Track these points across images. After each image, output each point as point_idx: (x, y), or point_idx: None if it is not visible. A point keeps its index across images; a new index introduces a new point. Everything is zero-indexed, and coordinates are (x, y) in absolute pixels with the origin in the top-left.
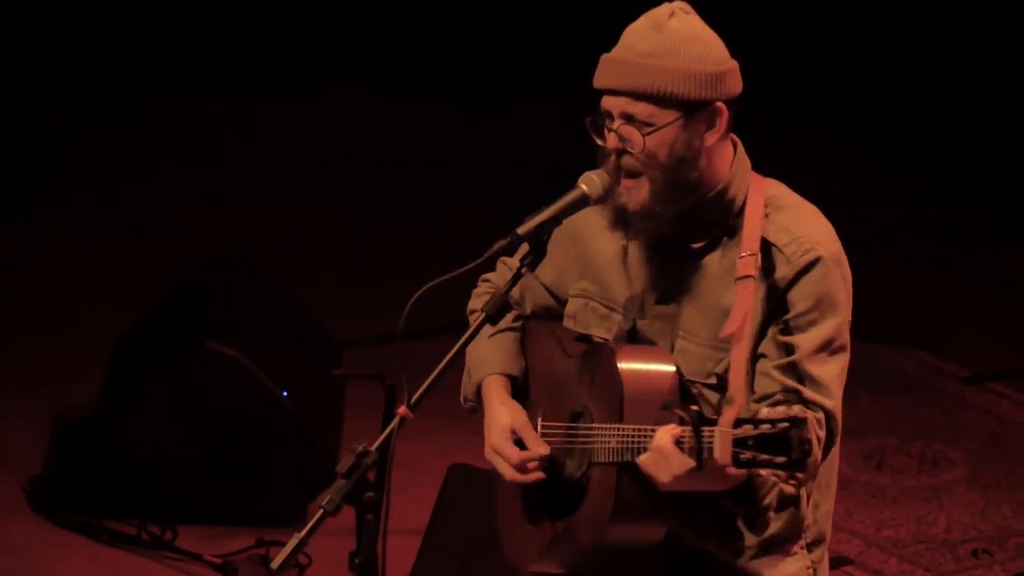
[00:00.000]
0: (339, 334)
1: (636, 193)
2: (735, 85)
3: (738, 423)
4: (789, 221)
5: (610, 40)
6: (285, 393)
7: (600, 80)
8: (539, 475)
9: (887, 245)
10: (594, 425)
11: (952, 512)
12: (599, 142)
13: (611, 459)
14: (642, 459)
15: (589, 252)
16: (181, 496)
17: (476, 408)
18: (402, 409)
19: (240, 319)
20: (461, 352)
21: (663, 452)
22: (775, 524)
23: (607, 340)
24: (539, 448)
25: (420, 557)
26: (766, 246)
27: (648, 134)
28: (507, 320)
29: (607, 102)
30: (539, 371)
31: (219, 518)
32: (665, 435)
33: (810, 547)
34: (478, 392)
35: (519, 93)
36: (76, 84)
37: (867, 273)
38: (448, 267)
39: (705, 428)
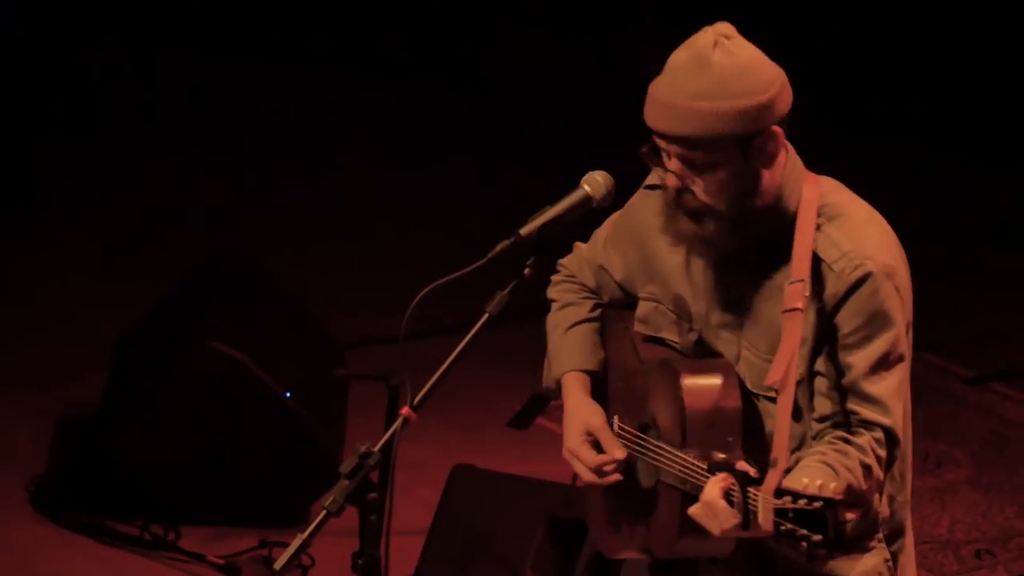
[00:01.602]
0: (342, 334)
1: (702, 228)
2: (786, 102)
3: (780, 493)
4: (840, 234)
5: (609, 42)
6: (288, 394)
7: (652, 121)
8: (615, 478)
9: None
10: (661, 444)
11: (955, 513)
12: (659, 174)
13: (675, 483)
14: (692, 510)
15: (654, 257)
16: (184, 497)
17: (557, 395)
18: (405, 410)
19: (243, 320)
20: (464, 353)
21: (711, 506)
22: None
23: (676, 348)
24: (615, 452)
25: (423, 557)
26: (816, 262)
27: (706, 175)
28: (585, 310)
29: (661, 142)
30: (617, 366)
31: (222, 519)
32: (714, 488)
33: (888, 539)
34: (558, 384)
35: (519, 93)
36: (79, 83)
37: None
38: (451, 268)
39: (751, 488)
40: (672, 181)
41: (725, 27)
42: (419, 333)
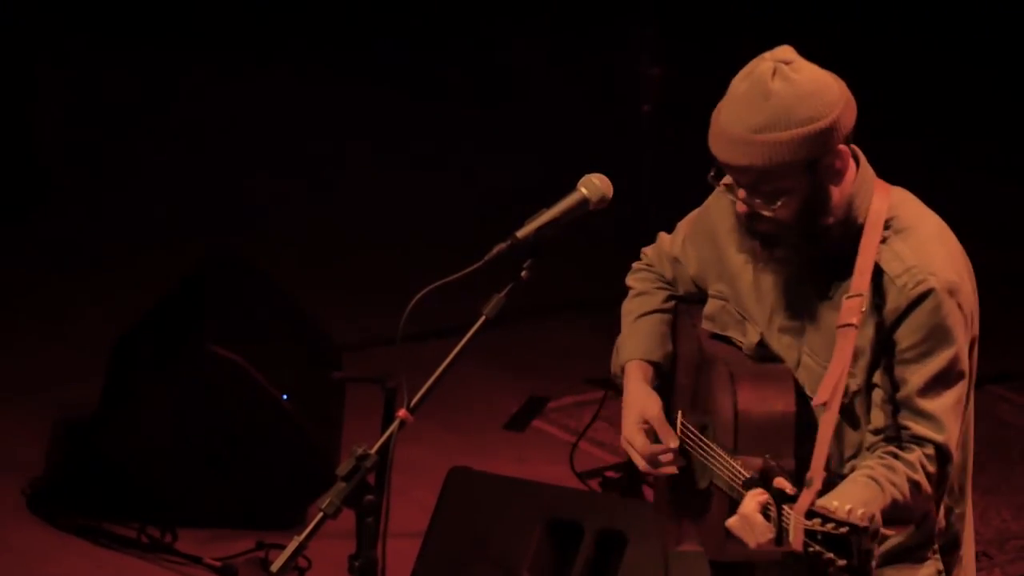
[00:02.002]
0: (339, 336)
1: (773, 252)
2: (850, 119)
3: (811, 514)
4: (905, 248)
5: (606, 41)
6: (285, 396)
7: (718, 152)
8: (671, 470)
9: None
10: (714, 447)
11: None
12: (731, 198)
13: (725, 488)
14: (730, 522)
15: (724, 257)
16: (181, 499)
17: (621, 383)
18: (402, 412)
19: (240, 321)
20: (461, 356)
21: (748, 519)
22: (901, 535)
23: (741, 347)
24: (669, 441)
25: (420, 560)
26: (878, 274)
27: (776, 201)
28: (658, 300)
29: (728, 171)
30: (683, 362)
31: (219, 521)
32: (751, 502)
33: (942, 550)
34: (624, 372)
35: (519, 93)
36: (76, 83)
37: None
38: (448, 269)
39: (785, 506)
40: (742, 208)
41: (784, 52)
42: (416, 335)
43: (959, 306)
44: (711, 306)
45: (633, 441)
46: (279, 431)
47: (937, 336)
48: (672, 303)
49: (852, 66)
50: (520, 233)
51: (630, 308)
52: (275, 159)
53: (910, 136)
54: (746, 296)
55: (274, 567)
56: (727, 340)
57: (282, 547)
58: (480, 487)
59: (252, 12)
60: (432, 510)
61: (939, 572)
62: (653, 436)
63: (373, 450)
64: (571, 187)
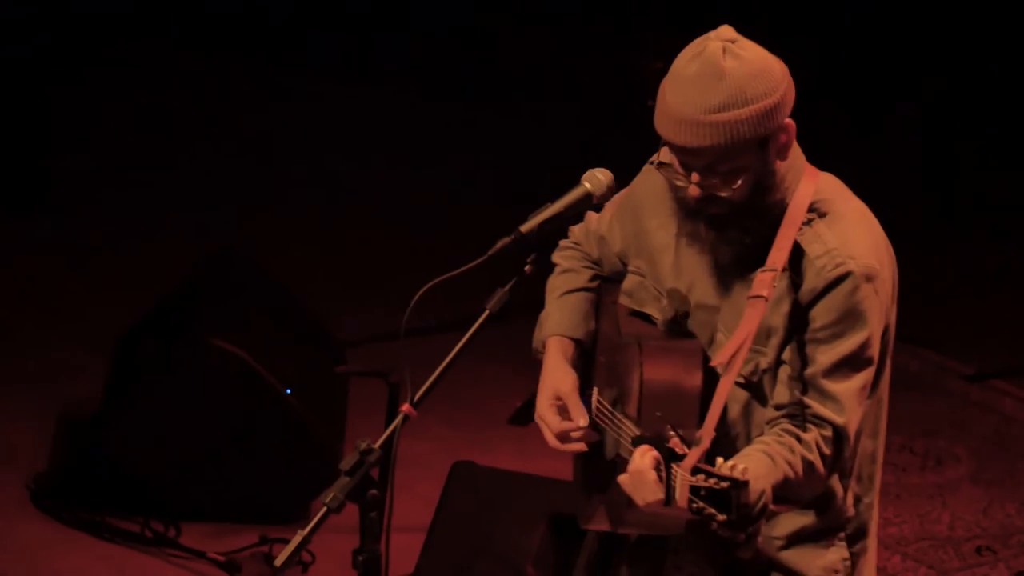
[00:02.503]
0: (342, 331)
1: (721, 235)
2: (793, 93)
3: (696, 471)
4: (828, 231)
5: (606, 40)
6: (288, 391)
7: (674, 137)
8: (580, 447)
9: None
10: (623, 418)
11: (956, 509)
12: (678, 183)
13: (627, 457)
14: (621, 478)
15: (645, 232)
16: (185, 493)
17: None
18: (405, 407)
19: (243, 317)
20: (464, 350)
21: (639, 475)
22: (806, 517)
23: (657, 323)
24: (579, 419)
25: (423, 554)
26: (799, 254)
27: (731, 180)
28: (584, 279)
29: (682, 154)
30: (603, 339)
31: (223, 515)
32: (643, 460)
33: (850, 539)
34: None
35: (519, 93)
36: (80, 84)
37: None
38: (451, 265)
39: (674, 465)
40: (695, 191)
41: (727, 31)
42: (419, 330)
43: (876, 292)
44: (629, 281)
45: (545, 418)
46: (282, 425)
47: (851, 319)
48: (597, 283)
49: (851, 60)
50: (524, 228)
51: (555, 284)
52: (276, 157)
53: (916, 129)
54: (665, 274)
55: (278, 561)
56: (645, 317)
57: (286, 541)
58: (484, 482)
59: (252, 10)
60: (435, 505)
61: (844, 560)
62: (566, 413)
63: (377, 445)
64: (575, 182)
